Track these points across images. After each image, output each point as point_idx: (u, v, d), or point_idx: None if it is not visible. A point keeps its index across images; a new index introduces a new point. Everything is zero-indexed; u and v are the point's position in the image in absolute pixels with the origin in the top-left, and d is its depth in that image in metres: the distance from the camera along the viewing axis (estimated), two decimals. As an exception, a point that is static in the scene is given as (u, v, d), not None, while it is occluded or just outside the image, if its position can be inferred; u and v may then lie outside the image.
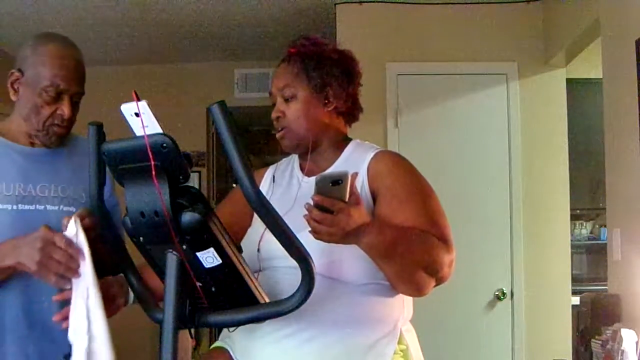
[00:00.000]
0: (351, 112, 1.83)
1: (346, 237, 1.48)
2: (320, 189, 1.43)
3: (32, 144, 1.91)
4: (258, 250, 1.66)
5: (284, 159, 1.93)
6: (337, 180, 1.42)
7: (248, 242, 1.70)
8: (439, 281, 1.64)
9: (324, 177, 1.44)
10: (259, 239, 1.67)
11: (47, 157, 1.92)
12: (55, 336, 1.78)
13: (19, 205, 1.83)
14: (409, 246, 1.57)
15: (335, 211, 1.43)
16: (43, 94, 1.82)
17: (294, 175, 1.85)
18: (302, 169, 1.83)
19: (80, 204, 1.90)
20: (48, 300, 1.75)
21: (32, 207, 1.84)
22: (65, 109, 1.83)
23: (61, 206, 1.88)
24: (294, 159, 1.88)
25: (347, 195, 1.44)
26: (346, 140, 1.83)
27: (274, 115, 1.78)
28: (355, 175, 1.53)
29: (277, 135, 1.79)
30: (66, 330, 1.67)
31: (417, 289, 1.63)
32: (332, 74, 1.77)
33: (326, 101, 1.77)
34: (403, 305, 1.70)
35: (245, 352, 1.64)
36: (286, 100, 1.76)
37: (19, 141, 1.90)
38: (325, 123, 1.78)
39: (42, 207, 1.86)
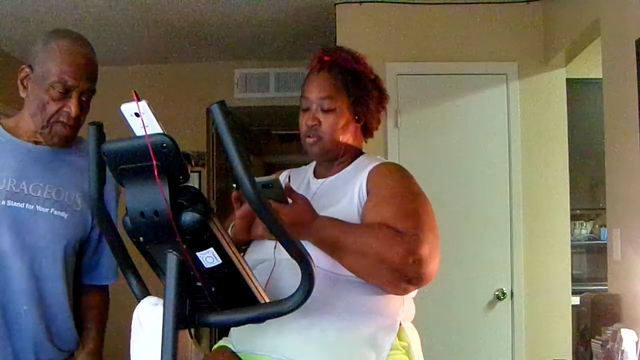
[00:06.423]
0: (374, 129, 1.91)
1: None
2: None
3: (36, 142, 1.88)
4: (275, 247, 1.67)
5: (302, 167, 1.98)
6: (268, 184, 1.55)
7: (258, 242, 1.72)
8: (413, 278, 1.59)
9: (257, 181, 1.55)
10: None
11: (47, 156, 1.88)
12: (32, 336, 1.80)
13: (8, 201, 1.80)
14: (357, 238, 1.59)
15: None
16: (50, 90, 1.78)
17: (306, 178, 1.92)
18: (315, 173, 1.91)
19: (73, 210, 1.87)
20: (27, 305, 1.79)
21: (21, 205, 1.81)
22: (72, 107, 1.80)
23: (52, 209, 1.84)
24: (312, 164, 1.95)
25: (286, 197, 1.57)
26: (359, 154, 1.90)
27: (309, 122, 1.80)
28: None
29: (308, 142, 1.82)
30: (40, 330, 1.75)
31: (383, 283, 1.62)
32: (371, 95, 1.84)
33: (357, 117, 1.83)
34: (403, 299, 1.71)
35: (244, 341, 1.67)
36: (324, 111, 1.79)
37: (22, 137, 1.87)
38: (352, 137, 1.84)
39: (32, 207, 1.82)
